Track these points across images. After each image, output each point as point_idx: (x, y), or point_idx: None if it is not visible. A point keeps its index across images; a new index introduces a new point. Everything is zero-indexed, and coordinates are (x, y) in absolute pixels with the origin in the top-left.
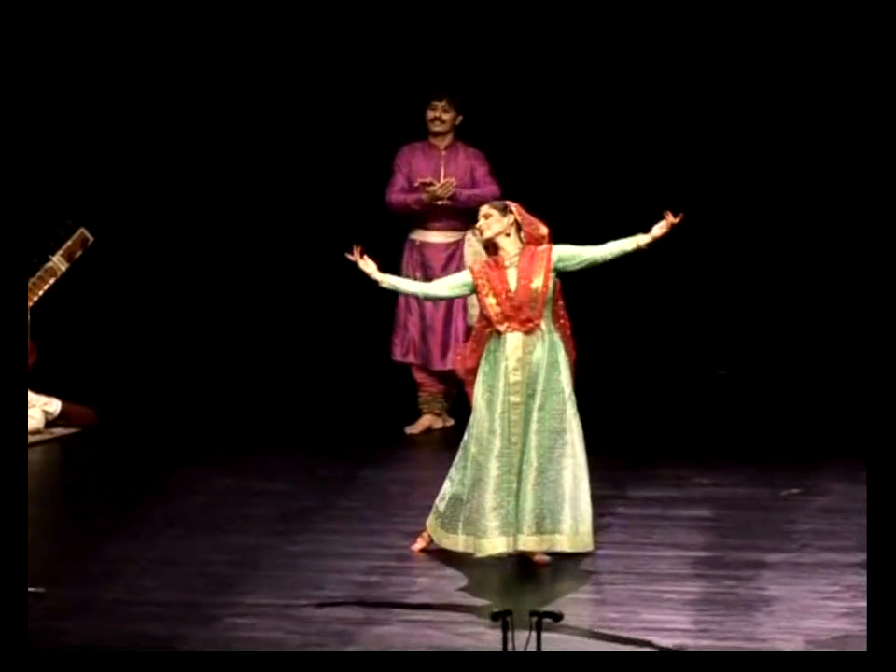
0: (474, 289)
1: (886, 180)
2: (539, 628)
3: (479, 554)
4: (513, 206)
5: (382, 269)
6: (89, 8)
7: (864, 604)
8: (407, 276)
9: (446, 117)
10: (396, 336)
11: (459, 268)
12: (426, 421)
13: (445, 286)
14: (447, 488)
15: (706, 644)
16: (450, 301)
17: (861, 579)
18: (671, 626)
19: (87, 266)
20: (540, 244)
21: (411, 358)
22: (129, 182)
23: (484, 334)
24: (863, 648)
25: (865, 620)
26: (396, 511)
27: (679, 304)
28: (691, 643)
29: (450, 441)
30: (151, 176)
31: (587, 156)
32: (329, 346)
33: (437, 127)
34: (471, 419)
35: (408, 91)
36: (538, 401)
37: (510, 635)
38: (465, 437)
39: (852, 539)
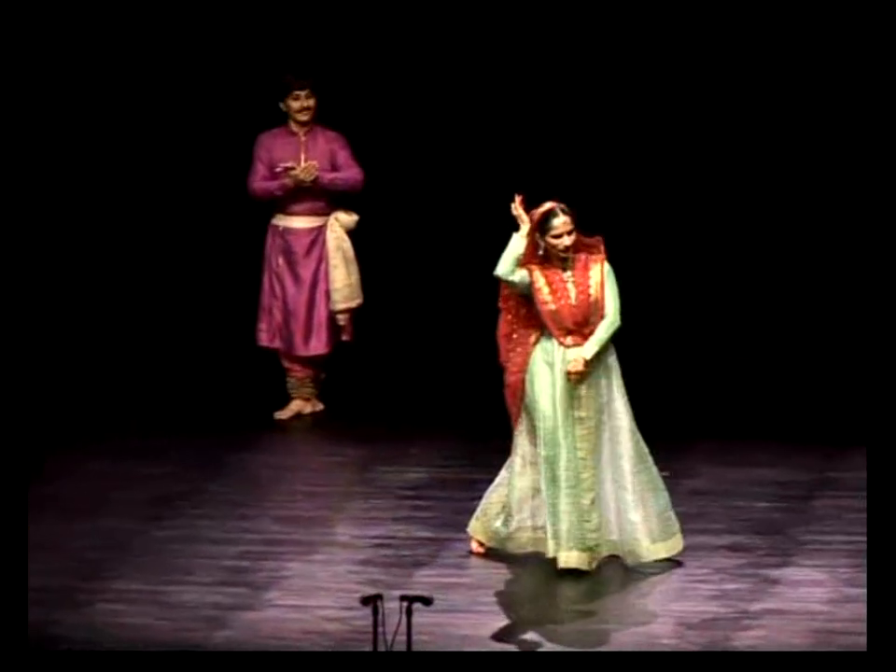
0: (527, 288)
1: (863, 176)
2: (409, 613)
3: (562, 565)
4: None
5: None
6: None
7: (733, 586)
8: (270, 262)
9: (311, 103)
10: (261, 322)
11: (322, 253)
12: (295, 406)
13: (520, 275)
14: (519, 496)
15: (578, 626)
16: (313, 286)
17: (729, 561)
18: None
19: None
20: (590, 251)
21: (277, 344)
22: None
23: (530, 342)
24: (737, 630)
25: (733, 603)
26: (267, 496)
27: None
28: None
29: (320, 425)
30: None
31: (454, 139)
32: (198, 331)
33: (305, 116)
34: (539, 427)
35: (259, 78)
36: (621, 411)
37: (380, 619)
38: (520, 441)
39: (721, 521)
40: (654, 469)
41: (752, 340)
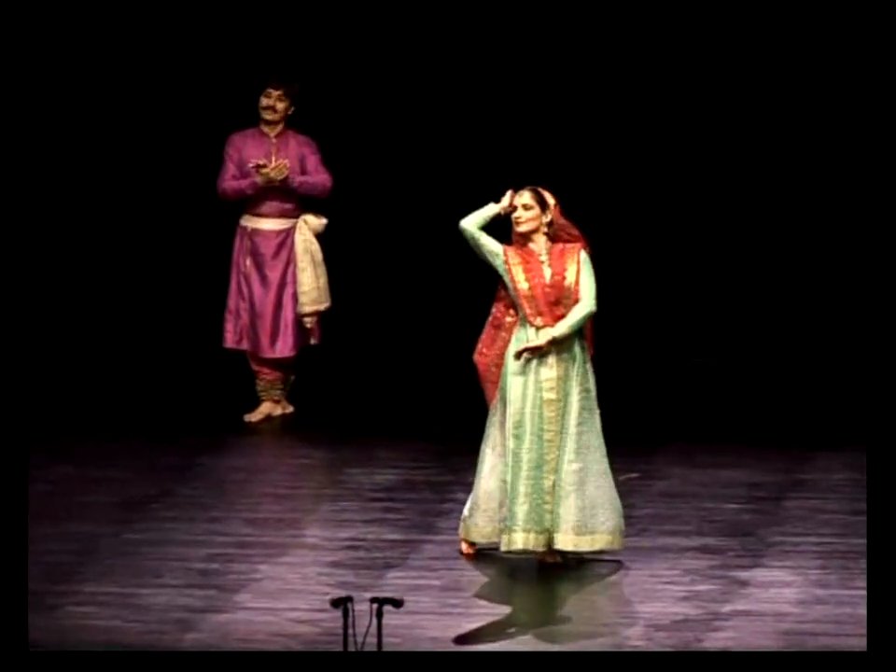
0: (502, 267)
1: (857, 169)
2: (379, 615)
3: (504, 548)
4: (553, 206)
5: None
6: None
7: (703, 588)
8: (237, 263)
9: (280, 106)
10: (228, 323)
11: (290, 255)
12: (264, 408)
13: (487, 239)
14: (486, 486)
15: (547, 626)
16: (281, 288)
17: (699, 563)
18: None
19: None
20: (570, 241)
21: (244, 345)
22: None
23: (505, 325)
24: (707, 631)
25: (703, 604)
26: (236, 499)
27: None
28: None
29: (290, 427)
30: None
31: (424, 145)
32: (167, 332)
33: (269, 115)
34: (508, 413)
35: (237, 79)
36: (575, 399)
37: (350, 621)
38: (491, 432)
39: (691, 523)
40: (595, 465)
41: (721, 342)
